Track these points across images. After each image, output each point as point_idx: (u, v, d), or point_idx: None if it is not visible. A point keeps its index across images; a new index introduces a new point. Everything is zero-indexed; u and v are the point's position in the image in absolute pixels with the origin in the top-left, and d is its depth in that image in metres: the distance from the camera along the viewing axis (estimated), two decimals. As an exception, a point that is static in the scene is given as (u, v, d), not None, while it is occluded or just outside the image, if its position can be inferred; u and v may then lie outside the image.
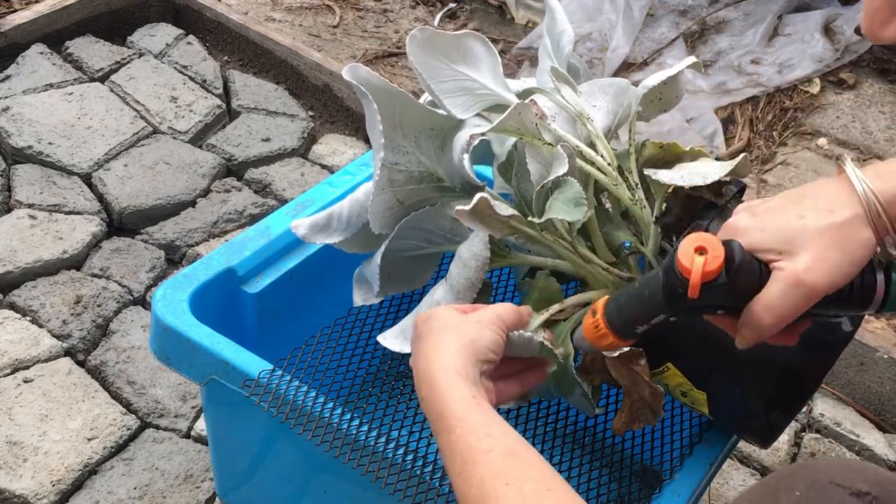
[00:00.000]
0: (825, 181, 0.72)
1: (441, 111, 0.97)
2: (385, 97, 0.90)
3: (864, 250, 0.68)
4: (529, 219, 0.89)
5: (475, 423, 0.71)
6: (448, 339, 0.78)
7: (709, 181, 0.88)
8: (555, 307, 0.93)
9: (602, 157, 0.97)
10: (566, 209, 0.85)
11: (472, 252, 0.93)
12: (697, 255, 0.68)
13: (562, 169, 0.87)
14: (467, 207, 0.83)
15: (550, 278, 0.96)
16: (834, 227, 0.68)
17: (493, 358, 0.80)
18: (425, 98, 1.04)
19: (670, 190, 0.94)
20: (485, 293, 0.96)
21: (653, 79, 1.00)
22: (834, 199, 0.69)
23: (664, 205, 0.95)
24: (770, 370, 0.90)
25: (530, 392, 0.92)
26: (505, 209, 0.87)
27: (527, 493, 0.66)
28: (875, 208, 0.68)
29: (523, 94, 1.02)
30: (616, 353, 0.85)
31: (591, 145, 0.98)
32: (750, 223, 0.72)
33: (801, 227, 0.69)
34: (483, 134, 0.93)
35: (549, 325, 0.92)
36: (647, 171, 0.93)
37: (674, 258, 0.70)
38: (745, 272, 0.69)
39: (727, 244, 0.70)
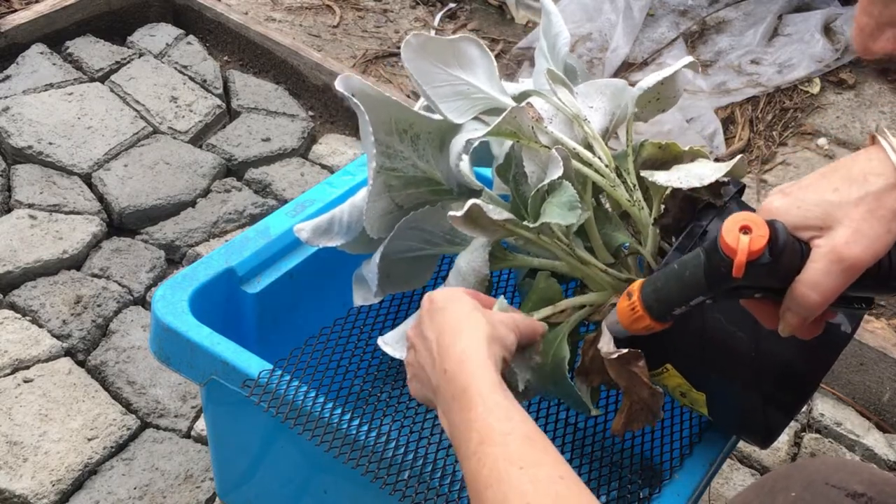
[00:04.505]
0: (858, 153, 0.71)
1: (437, 116, 0.97)
2: (380, 105, 0.90)
3: None
4: (525, 222, 0.89)
5: (497, 405, 0.72)
6: (480, 325, 0.79)
7: (705, 183, 0.88)
8: (546, 310, 0.94)
9: (599, 158, 0.97)
10: (561, 213, 0.86)
11: (471, 267, 0.93)
12: (742, 233, 0.68)
13: (557, 172, 0.88)
14: (459, 213, 0.84)
15: (551, 279, 0.96)
16: (869, 197, 0.67)
17: (509, 360, 0.81)
18: (421, 103, 1.04)
19: (668, 191, 0.94)
20: (486, 291, 0.96)
21: (649, 80, 1.00)
22: (867, 169, 0.68)
23: (662, 206, 0.95)
24: (769, 370, 0.90)
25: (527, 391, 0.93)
26: (499, 213, 0.87)
27: (540, 478, 0.66)
28: None
29: (520, 97, 1.02)
30: (615, 355, 0.85)
31: (589, 147, 0.98)
32: (785, 202, 0.71)
33: (836, 201, 0.68)
34: (480, 138, 0.93)
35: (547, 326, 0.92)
36: (643, 173, 0.93)
37: (716, 239, 0.70)
38: (788, 251, 0.69)
39: (771, 223, 0.69)
